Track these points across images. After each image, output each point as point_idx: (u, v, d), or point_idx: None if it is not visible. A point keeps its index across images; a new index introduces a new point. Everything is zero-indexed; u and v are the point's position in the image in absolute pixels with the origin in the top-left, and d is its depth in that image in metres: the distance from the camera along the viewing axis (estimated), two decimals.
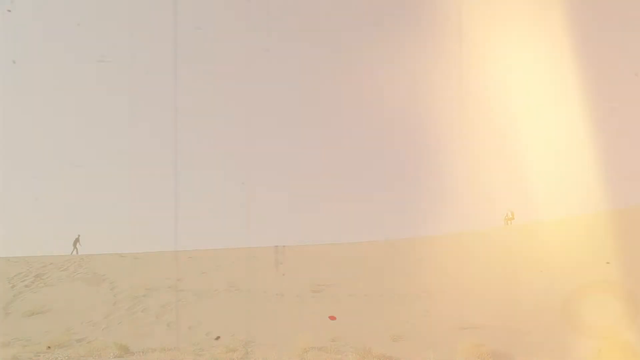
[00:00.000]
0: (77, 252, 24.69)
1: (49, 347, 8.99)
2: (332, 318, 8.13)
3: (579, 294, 11.29)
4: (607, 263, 12.82)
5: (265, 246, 24.27)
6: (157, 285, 14.81)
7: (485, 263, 15.84)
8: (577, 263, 14.67)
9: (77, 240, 25.19)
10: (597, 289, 11.67)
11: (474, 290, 12.61)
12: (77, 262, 19.60)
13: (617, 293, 11.01)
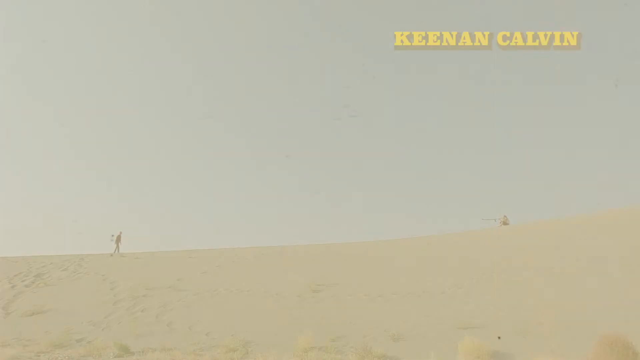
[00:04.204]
0: (118, 251, 24.11)
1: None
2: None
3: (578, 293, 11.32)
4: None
5: (265, 246, 24.35)
6: (157, 285, 14.81)
7: (485, 263, 15.88)
8: (575, 262, 14.71)
9: (118, 238, 24.49)
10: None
11: (474, 290, 12.63)
12: (77, 262, 19.63)
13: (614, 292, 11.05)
